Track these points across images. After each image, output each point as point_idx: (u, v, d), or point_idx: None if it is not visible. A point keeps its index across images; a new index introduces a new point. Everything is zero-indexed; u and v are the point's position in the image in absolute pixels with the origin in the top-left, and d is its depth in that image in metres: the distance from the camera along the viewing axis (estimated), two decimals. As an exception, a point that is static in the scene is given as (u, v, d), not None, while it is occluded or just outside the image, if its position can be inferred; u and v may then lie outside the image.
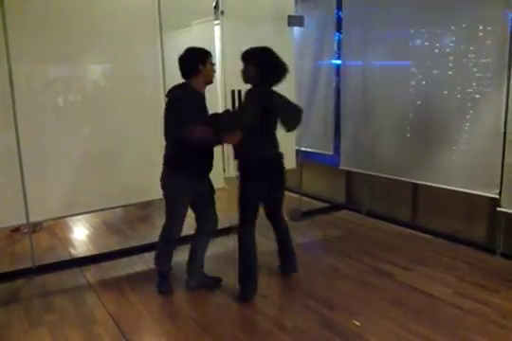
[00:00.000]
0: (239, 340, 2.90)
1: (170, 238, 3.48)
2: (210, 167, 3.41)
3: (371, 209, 5.32)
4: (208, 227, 3.56)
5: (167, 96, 3.28)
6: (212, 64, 3.33)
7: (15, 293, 3.65)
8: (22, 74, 3.64)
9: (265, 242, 3.88)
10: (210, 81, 3.33)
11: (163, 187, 3.35)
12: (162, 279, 3.56)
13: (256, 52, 3.28)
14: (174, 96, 3.22)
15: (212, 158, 3.41)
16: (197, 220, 3.55)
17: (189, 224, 3.52)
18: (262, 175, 3.32)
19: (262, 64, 3.24)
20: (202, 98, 3.31)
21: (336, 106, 5.32)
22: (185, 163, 3.24)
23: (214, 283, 3.64)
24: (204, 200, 3.50)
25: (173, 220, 3.42)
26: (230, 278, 3.55)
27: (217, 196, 3.55)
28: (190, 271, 3.61)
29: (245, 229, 3.40)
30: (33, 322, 3.19)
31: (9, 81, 3.55)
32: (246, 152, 3.32)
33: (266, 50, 3.29)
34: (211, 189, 3.53)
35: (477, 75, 3.88)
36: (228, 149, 4.49)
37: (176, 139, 3.14)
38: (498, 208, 3.87)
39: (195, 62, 3.22)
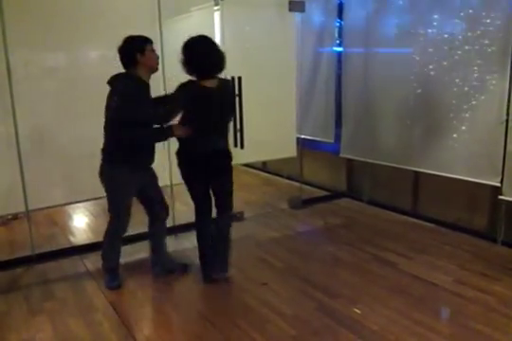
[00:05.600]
0: (239, 327, 2.90)
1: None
2: (153, 157, 3.39)
3: (372, 198, 5.31)
4: (163, 213, 3.58)
5: (109, 83, 3.17)
6: (153, 51, 3.22)
7: (15, 281, 3.64)
8: (20, 61, 3.60)
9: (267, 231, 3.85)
10: (155, 69, 3.25)
11: (106, 179, 3.30)
12: (112, 276, 3.49)
13: None
14: (119, 86, 3.14)
15: (154, 148, 3.37)
16: (150, 209, 3.55)
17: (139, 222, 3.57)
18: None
19: None
20: (147, 87, 3.21)
21: (337, 94, 5.28)
22: (129, 154, 3.20)
23: (182, 269, 3.67)
24: (151, 188, 3.50)
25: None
26: (233, 268, 3.54)
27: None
28: (155, 260, 3.64)
29: None
30: (33, 310, 3.19)
31: (7, 69, 3.51)
32: None
33: None
34: (154, 177, 3.50)
35: (479, 62, 3.83)
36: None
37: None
38: (499, 197, 3.86)
39: (133, 51, 3.12)
